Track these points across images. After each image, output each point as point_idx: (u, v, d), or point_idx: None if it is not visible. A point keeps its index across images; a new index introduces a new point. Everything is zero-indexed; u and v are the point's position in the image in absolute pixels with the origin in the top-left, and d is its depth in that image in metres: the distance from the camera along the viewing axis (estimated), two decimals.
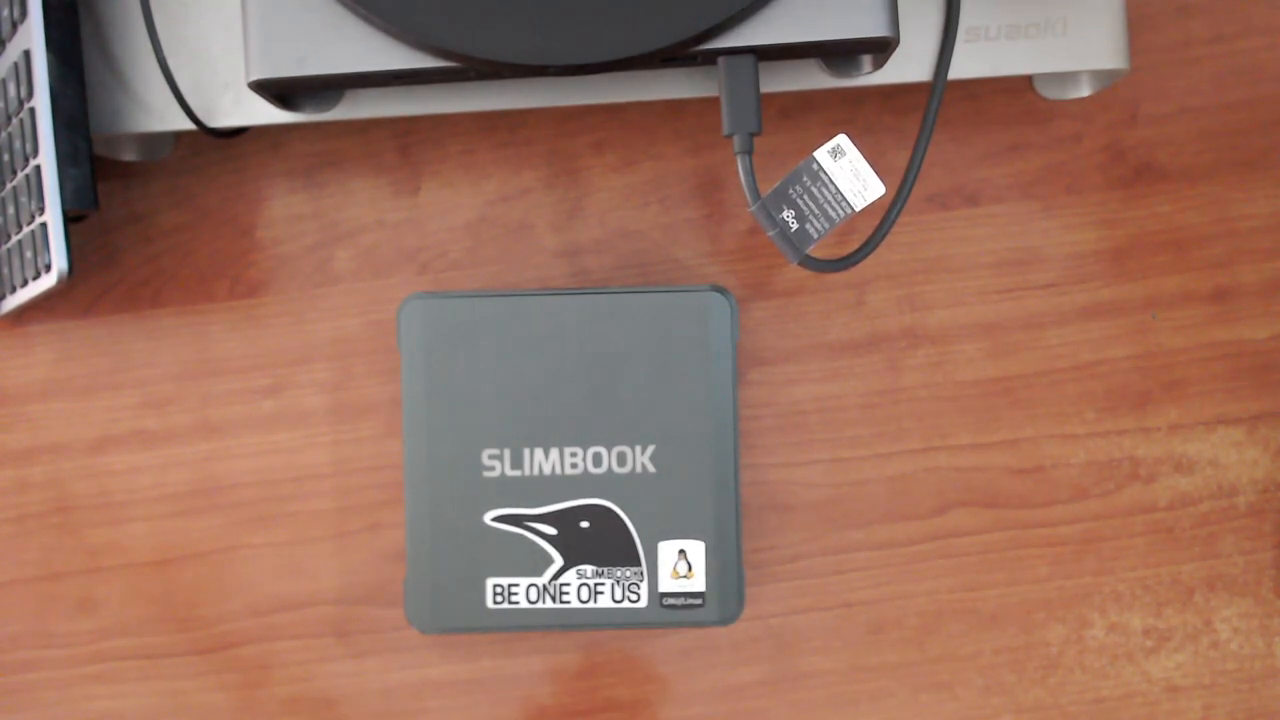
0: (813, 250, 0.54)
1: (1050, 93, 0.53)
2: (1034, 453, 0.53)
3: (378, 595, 0.53)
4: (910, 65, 0.47)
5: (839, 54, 0.44)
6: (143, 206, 0.54)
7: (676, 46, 0.42)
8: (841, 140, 0.43)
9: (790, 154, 0.53)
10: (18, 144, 0.48)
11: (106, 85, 0.49)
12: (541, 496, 0.48)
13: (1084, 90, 0.52)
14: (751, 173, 0.43)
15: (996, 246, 0.53)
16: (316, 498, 0.53)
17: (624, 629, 0.49)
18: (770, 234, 0.44)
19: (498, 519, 0.48)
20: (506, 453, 0.48)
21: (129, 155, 0.53)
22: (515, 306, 0.49)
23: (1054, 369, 0.53)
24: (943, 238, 0.53)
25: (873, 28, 0.42)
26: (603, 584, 0.48)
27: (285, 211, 0.54)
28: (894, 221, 0.46)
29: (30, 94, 0.47)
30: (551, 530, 0.48)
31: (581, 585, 0.48)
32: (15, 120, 0.48)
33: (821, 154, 0.43)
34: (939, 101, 0.47)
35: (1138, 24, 0.53)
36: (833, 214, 0.44)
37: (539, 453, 0.48)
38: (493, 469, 0.48)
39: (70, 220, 0.53)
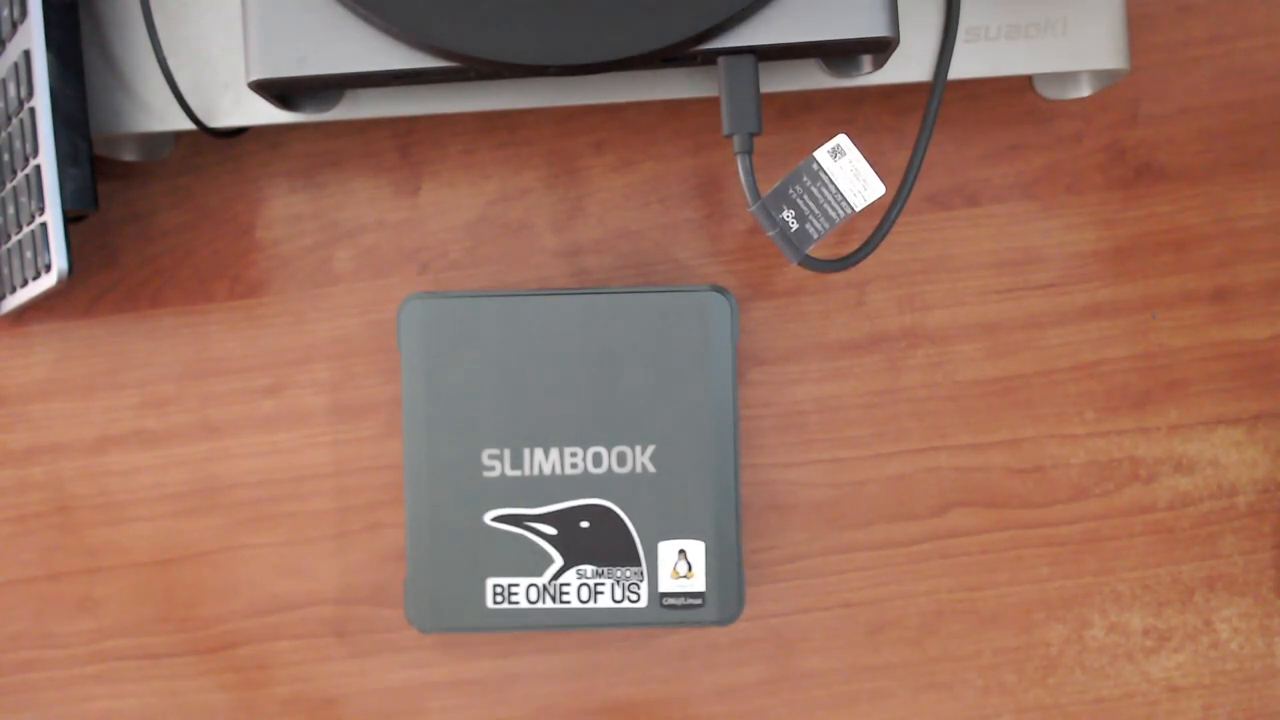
0: (813, 250, 0.54)
1: (1050, 93, 0.53)
2: (1034, 453, 0.53)
3: (378, 595, 0.53)
4: (910, 65, 0.47)
5: (839, 54, 0.44)
6: (143, 206, 0.54)
7: (676, 46, 0.42)
8: (841, 140, 0.43)
9: (790, 154, 0.53)
10: (18, 144, 0.48)
11: (106, 85, 0.49)
12: (541, 496, 0.48)
13: (1084, 90, 0.52)
14: (751, 173, 0.43)
15: (996, 246, 0.53)
16: (316, 498, 0.53)
17: (624, 629, 0.49)
18: (770, 234, 0.44)
19: (498, 519, 0.48)
20: (506, 453, 0.48)
21: (129, 155, 0.53)
22: (515, 306, 0.49)
23: (1054, 369, 0.53)
24: (943, 238, 0.53)
25: (873, 28, 0.42)
26: (603, 584, 0.48)
27: (285, 211, 0.54)
28: (894, 221, 0.46)
29: (30, 94, 0.47)
30: (551, 530, 0.48)
31: (581, 585, 0.48)
32: (15, 120, 0.48)
33: (821, 154, 0.43)
34: (939, 101, 0.47)
35: (1138, 24, 0.53)
36: (833, 214, 0.44)
37: (539, 453, 0.48)
38: (493, 469, 0.48)
39: (70, 220, 0.53)
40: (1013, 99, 0.53)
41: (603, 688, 0.53)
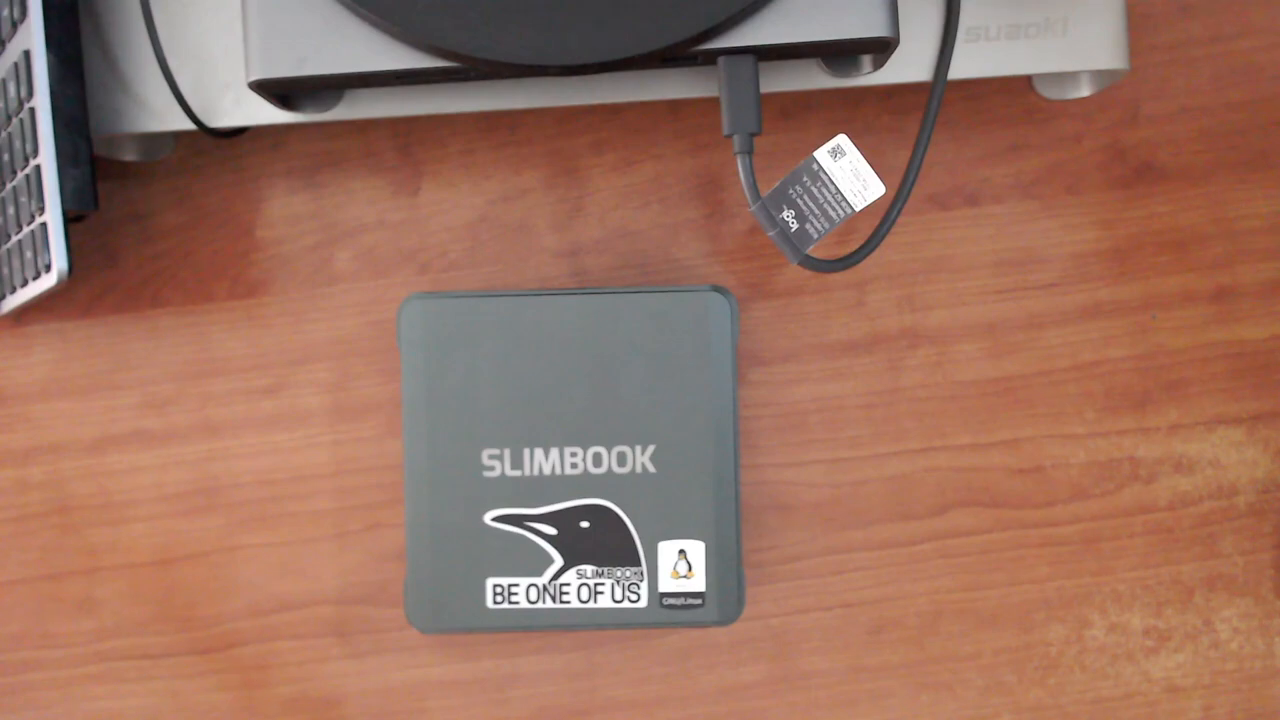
0: (813, 250, 0.54)
1: (1050, 93, 0.53)
2: (1034, 453, 0.53)
3: (378, 595, 0.53)
4: (910, 65, 0.47)
5: (839, 54, 0.44)
6: (143, 206, 0.54)
7: (676, 46, 0.42)
8: (841, 140, 0.43)
9: (790, 154, 0.53)
10: (18, 144, 0.48)
11: (106, 85, 0.49)
12: (541, 496, 0.48)
13: (1084, 90, 0.52)
14: (751, 173, 0.43)
15: (996, 246, 0.53)
16: (316, 498, 0.53)
17: (624, 629, 0.49)
18: (770, 234, 0.44)
19: (498, 519, 0.48)
20: (506, 453, 0.48)
21: (129, 155, 0.53)
22: (515, 306, 0.49)
23: (1054, 369, 0.53)
24: (943, 238, 0.53)
25: (873, 28, 0.42)
26: (603, 584, 0.48)
27: (285, 211, 0.54)
28: (894, 221, 0.46)
29: (30, 94, 0.47)
30: (551, 530, 0.48)
31: (581, 585, 0.48)
32: (15, 120, 0.48)
33: (821, 154, 0.43)
34: (939, 101, 0.47)
35: (1138, 24, 0.53)
36: (833, 214, 0.44)
37: (539, 453, 0.48)
38: (493, 469, 0.48)
39: (70, 220, 0.53)
40: (1013, 99, 0.53)
41: (603, 688, 0.53)
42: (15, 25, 0.48)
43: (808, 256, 0.44)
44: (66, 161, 0.47)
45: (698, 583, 0.48)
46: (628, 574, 0.48)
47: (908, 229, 0.53)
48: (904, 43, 0.47)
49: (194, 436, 0.54)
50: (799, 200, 0.44)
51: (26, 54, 0.46)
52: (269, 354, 0.54)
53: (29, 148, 0.47)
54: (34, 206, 0.47)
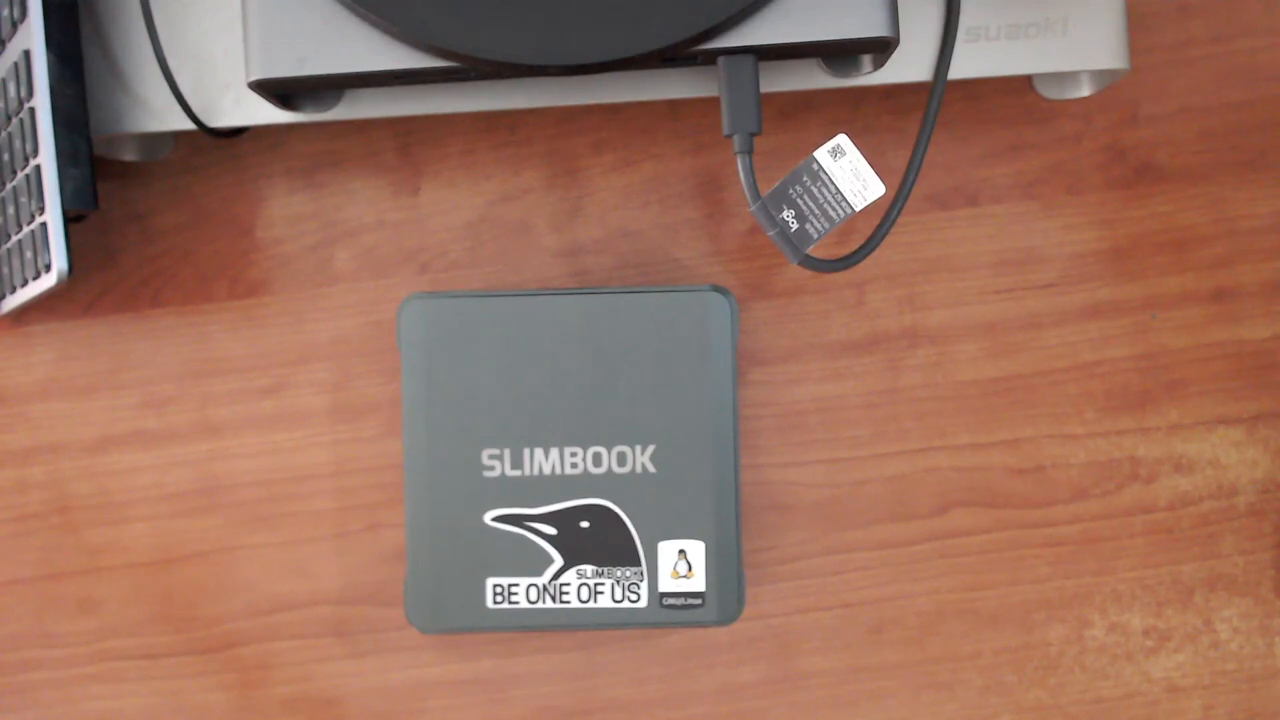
0: (813, 250, 0.54)
1: (1050, 93, 0.53)
2: (1034, 453, 0.53)
3: (378, 595, 0.53)
4: (910, 65, 0.47)
5: (839, 54, 0.44)
6: (143, 206, 0.54)
7: (676, 46, 0.42)
8: (841, 140, 0.43)
9: (790, 154, 0.54)
10: (18, 144, 0.48)
11: (106, 85, 0.49)
12: (541, 496, 0.48)
13: (1084, 90, 0.52)
14: (751, 173, 0.43)
15: (996, 246, 0.53)
16: (316, 498, 0.53)
17: (624, 629, 0.49)
18: (770, 234, 0.44)
19: (498, 519, 0.48)
20: (506, 453, 0.48)
21: (129, 155, 0.53)
22: (515, 306, 0.49)
23: (1054, 369, 0.53)
24: (943, 238, 0.53)
25: (873, 28, 0.42)
26: (603, 584, 0.48)
27: (285, 211, 0.54)
28: (894, 221, 0.46)
29: (30, 94, 0.47)
30: (551, 530, 0.48)
31: (581, 585, 0.48)
32: (15, 120, 0.48)
33: (821, 154, 0.43)
34: (939, 101, 0.47)
35: (1138, 24, 0.53)
36: (833, 214, 0.44)
37: (539, 453, 0.48)
38: (493, 469, 0.48)
39: (70, 220, 0.53)
40: (1013, 99, 0.53)
41: (603, 688, 0.53)
42: (15, 25, 0.48)
43: (808, 256, 0.44)
44: (66, 161, 0.47)
45: (698, 583, 0.48)
46: (628, 574, 0.48)
47: (908, 229, 0.53)
48: (904, 43, 0.47)
49: (194, 436, 0.54)
50: (799, 200, 0.44)
51: (26, 54, 0.47)
52: (269, 354, 0.54)
53: (29, 148, 0.47)
54: (34, 206, 0.47)
